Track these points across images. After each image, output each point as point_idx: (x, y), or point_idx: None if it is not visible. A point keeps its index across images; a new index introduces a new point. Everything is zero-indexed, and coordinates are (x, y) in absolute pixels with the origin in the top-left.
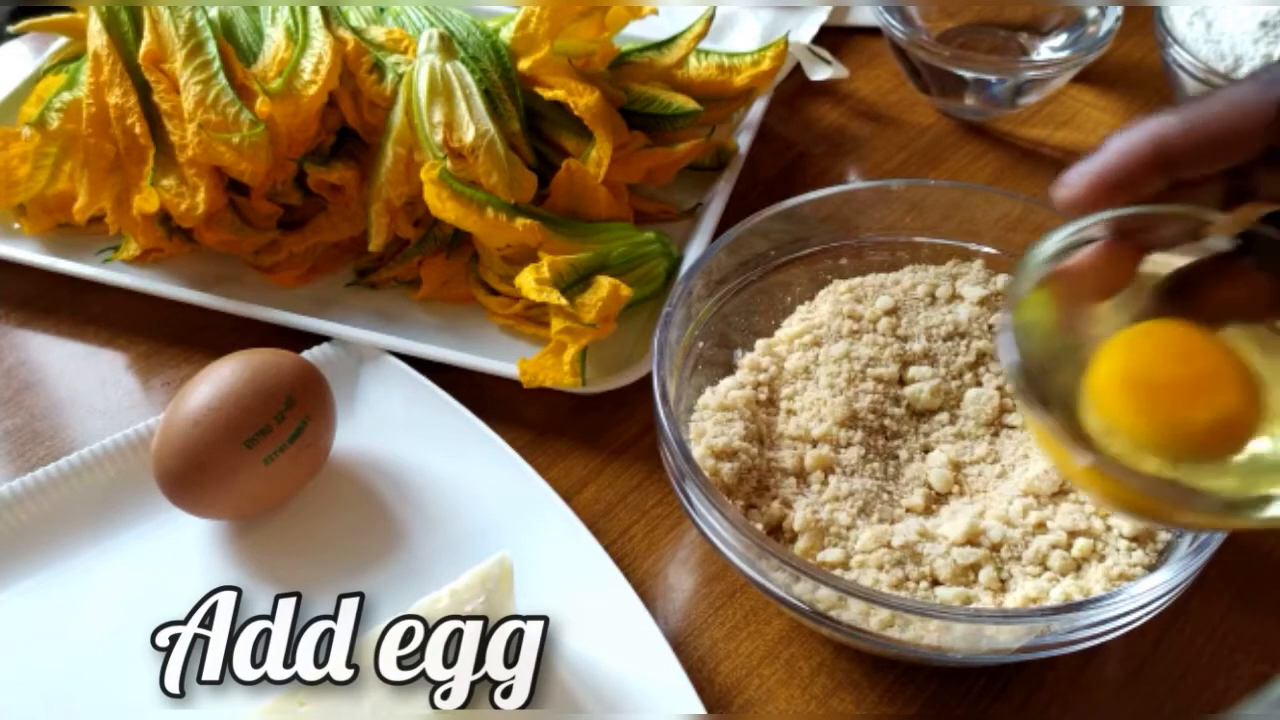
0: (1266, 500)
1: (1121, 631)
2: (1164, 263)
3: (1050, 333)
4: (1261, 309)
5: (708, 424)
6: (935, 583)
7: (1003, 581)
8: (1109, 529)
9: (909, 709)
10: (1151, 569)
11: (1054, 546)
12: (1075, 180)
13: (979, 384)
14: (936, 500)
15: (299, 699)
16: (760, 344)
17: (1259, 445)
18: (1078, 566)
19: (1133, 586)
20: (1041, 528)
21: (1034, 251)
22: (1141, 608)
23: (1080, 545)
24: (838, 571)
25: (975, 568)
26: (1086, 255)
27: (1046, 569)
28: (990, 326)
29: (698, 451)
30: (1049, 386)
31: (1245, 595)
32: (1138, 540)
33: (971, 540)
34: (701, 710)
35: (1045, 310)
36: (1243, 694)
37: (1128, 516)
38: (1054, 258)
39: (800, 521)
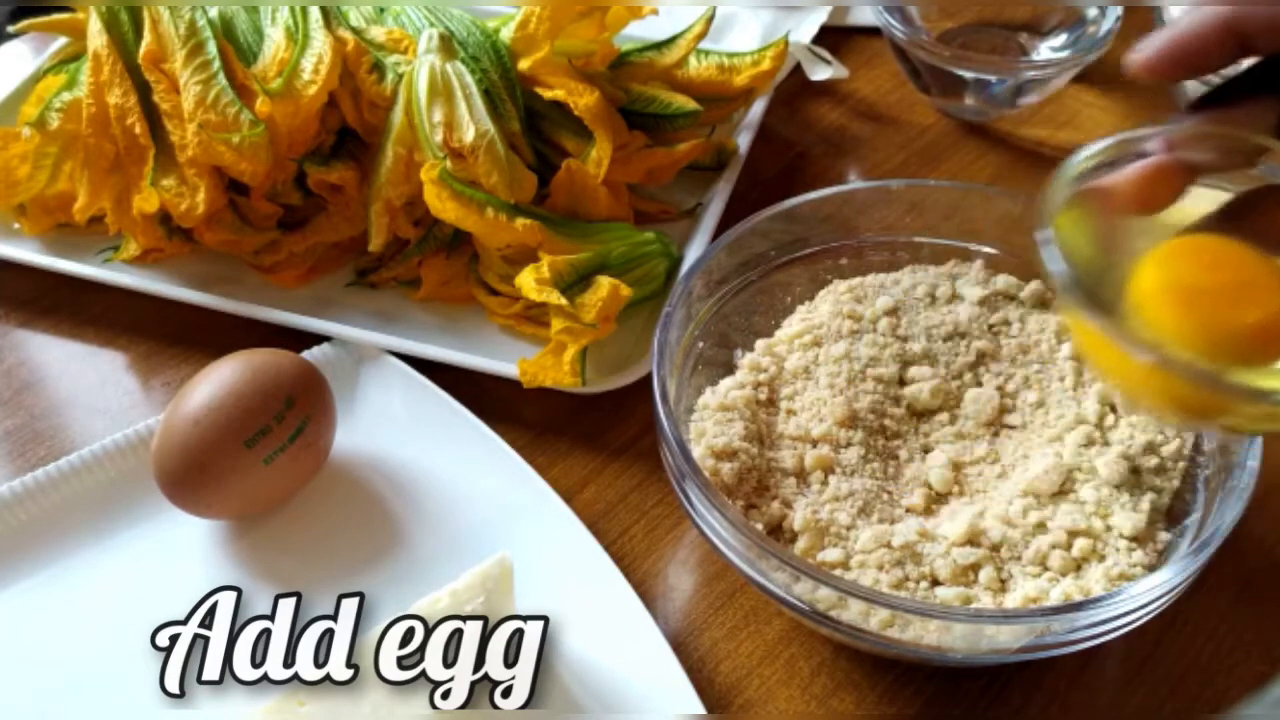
0: None
1: (1121, 631)
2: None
3: (1088, 247)
4: None
5: (708, 424)
6: (935, 583)
7: (1003, 581)
8: (1109, 529)
9: (909, 709)
10: (1151, 569)
11: (1054, 546)
12: (1148, 47)
13: (979, 384)
14: (936, 500)
15: (299, 699)
16: (760, 344)
17: None
18: (1078, 566)
19: (1133, 586)
20: (1041, 528)
21: (1067, 164)
22: (1141, 608)
23: (1080, 545)
24: (838, 571)
25: (975, 568)
26: (1133, 171)
27: (1046, 569)
28: (991, 327)
29: (698, 451)
30: (1093, 299)
31: (1245, 595)
32: (1138, 540)
33: (971, 540)
34: (701, 710)
35: (1082, 224)
36: (1243, 694)
37: (1179, 418)
38: (1088, 173)
39: (800, 521)
